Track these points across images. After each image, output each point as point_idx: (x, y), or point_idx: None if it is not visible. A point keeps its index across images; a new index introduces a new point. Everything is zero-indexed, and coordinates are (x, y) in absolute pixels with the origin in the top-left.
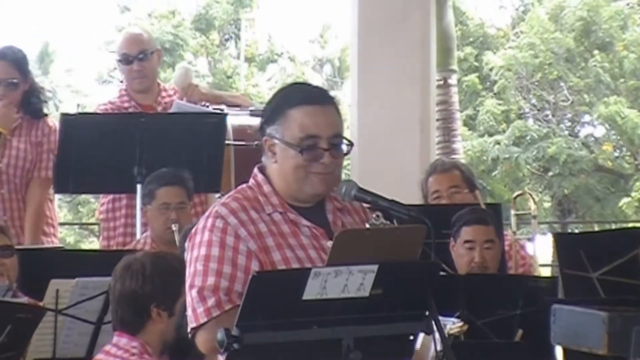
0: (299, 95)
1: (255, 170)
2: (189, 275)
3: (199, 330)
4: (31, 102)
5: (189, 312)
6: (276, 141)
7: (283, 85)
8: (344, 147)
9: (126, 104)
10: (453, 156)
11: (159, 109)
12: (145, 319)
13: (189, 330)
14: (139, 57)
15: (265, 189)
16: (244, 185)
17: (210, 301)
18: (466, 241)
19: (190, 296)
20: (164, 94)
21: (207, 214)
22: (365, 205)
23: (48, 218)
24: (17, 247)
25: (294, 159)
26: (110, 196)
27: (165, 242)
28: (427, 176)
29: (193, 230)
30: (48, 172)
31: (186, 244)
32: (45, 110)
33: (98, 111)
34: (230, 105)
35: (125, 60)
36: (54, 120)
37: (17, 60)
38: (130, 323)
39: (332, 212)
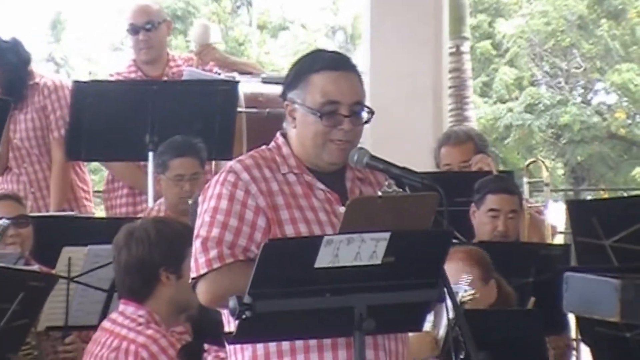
0: (322, 60)
1: (278, 134)
2: (197, 227)
3: (200, 280)
4: (14, 88)
5: (192, 261)
6: (297, 106)
7: (302, 52)
8: (365, 115)
9: (133, 75)
10: (466, 123)
11: (166, 79)
12: (154, 285)
13: (190, 280)
14: (146, 27)
15: (284, 150)
16: (263, 147)
17: (213, 252)
18: (491, 209)
19: (195, 246)
20: (172, 64)
21: (222, 168)
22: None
23: (79, 183)
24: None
25: (314, 124)
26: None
27: (180, 212)
28: (439, 145)
29: (207, 184)
30: (61, 131)
31: (199, 197)
32: (35, 76)
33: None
34: (242, 72)
35: (132, 30)
36: (52, 79)
37: None
38: (139, 291)
39: (352, 180)
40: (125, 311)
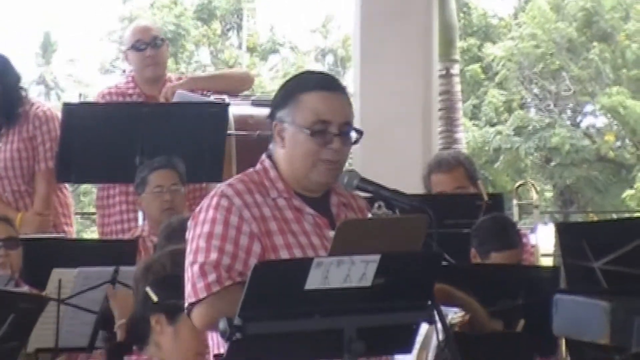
0: (312, 80)
1: (263, 156)
2: (190, 252)
3: (197, 305)
4: (6, 104)
5: (188, 287)
6: (286, 125)
7: (292, 74)
8: (353, 136)
9: (130, 91)
10: (455, 146)
11: (162, 100)
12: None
13: (186, 305)
14: (153, 43)
15: (272, 174)
16: (250, 170)
17: (211, 277)
18: None
19: (192, 271)
20: (168, 84)
21: (212, 193)
22: (367, 195)
23: (59, 208)
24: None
25: (304, 143)
26: (105, 185)
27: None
28: (429, 172)
29: (197, 208)
30: (48, 163)
31: (189, 223)
32: (31, 101)
33: (102, 94)
34: (218, 88)
35: (139, 47)
36: (44, 110)
37: None
38: None
39: (337, 205)
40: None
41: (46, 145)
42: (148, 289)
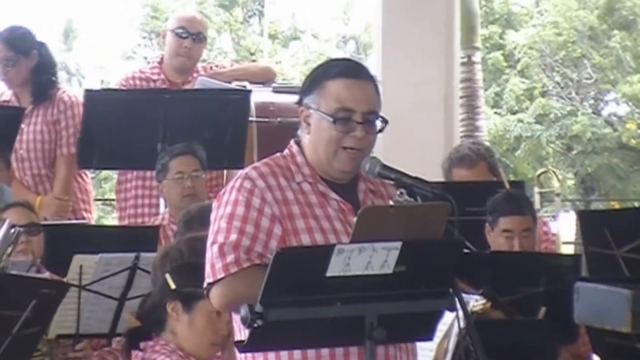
0: (338, 67)
1: (292, 142)
2: (211, 233)
3: (215, 285)
4: (39, 79)
5: (207, 267)
6: (311, 111)
7: (314, 62)
8: (378, 124)
9: (155, 77)
10: (476, 134)
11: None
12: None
13: (204, 285)
14: (195, 36)
15: (299, 159)
16: (277, 154)
17: (230, 257)
18: (504, 230)
19: (211, 252)
20: (195, 74)
21: (237, 175)
22: (389, 182)
23: (78, 194)
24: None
25: (327, 130)
26: (123, 171)
27: None
28: (450, 166)
29: (222, 190)
30: (70, 149)
31: (214, 203)
32: (59, 86)
33: (126, 78)
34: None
35: (181, 34)
36: (69, 95)
37: (11, 39)
38: None
39: (364, 192)
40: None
41: (69, 130)
42: (167, 276)
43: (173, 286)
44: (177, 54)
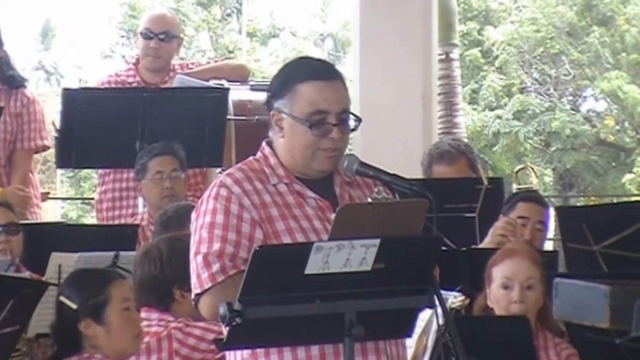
0: (307, 70)
1: (263, 143)
2: (193, 243)
3: (203, 295)
4: (4, 72)
5: (193, 278)
6: (284, 116)
7: (290, 59)
8: (352, 123)
9: (131, 79)
10: (455, 130)
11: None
12: (170, 303)
13: (192, 297)
14: (160, 36)
15: (272, 161)
16: (250, 158)
17: (215, 267)
18: (520, 217)
19: (195, 262)
20: (171, 74)
21: (212, 183)
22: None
23: (31, 190)
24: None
25: (303, 135)
26: (101, 171)
27: None
28: (430, 162)
29: (199, 200)
30: (30, 143)
31: (192, 214)
32: (22, 81)
33: (101, 82)
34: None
35: (146, 35)
36: (31, 92)
37: None
38: (156, 306)
39: (340, 185)
40: (150, 317)
41: (32, 125)
42: (62, 298)
43: (74, 306)
44: (146, 54)
